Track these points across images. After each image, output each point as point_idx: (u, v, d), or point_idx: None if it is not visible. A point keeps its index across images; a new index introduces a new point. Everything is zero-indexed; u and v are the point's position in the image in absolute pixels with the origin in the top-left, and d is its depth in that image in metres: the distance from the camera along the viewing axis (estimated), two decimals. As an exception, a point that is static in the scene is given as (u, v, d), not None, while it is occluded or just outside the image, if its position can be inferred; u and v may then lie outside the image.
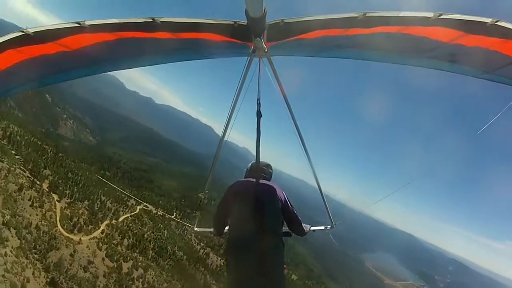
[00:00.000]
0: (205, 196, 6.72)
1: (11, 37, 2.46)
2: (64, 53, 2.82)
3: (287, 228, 4.50)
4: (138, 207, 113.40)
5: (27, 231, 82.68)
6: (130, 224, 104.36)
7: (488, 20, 2.31)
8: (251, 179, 4.32)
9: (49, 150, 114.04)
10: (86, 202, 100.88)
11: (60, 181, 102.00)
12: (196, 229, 6.89)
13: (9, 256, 73.48)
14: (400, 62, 3.60)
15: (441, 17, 2.36)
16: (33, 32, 2.46)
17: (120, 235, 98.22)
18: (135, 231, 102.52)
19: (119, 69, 3.96)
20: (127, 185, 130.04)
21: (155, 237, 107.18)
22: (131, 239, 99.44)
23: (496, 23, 2.30)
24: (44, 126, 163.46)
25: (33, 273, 75.12)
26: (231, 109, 4.29)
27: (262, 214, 3.78)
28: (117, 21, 2.59)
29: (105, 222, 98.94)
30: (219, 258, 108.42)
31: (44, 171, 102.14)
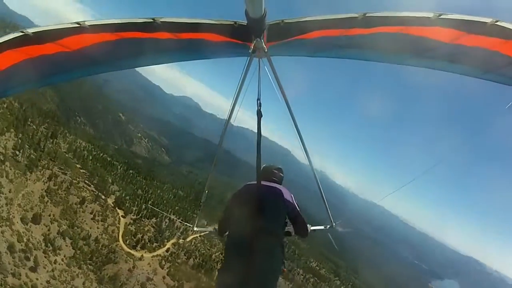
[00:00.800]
0: (205, 197, 6.73)
1: (11, 37, 2.46)
2: (64, 53, 2.82)
3: (290, 228, 4.50)
4: (210, 228, 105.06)
5: (84, 242, 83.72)
6: (199, 244, 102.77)
7: (488, 20, 2.31)
8: (255, 182, 4.33)
9: (119, 167, 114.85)
10: (153, 220, 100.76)
11: (127, 198, 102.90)
12: (195, 228, 6.89)
13: (59, 264, 74.98)
14: (400, 63, 3.59)
15: (441, 17, 2.36)
16: (32, 33, 2.46)
17: (186, 255, 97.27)
18: (202, 252, 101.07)
19: (119, 70, 3.95)
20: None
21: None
22: (197, 259, 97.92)
23: (496, 23, 2.30)
24: (116, 143, 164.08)
25: (84, 283, 76.53)
26: (231, 109, 4.30)
27: (261, 215, 3.78)
28: (117, 22, 2.59)
29: (172, 241, 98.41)
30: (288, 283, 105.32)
31: (111, 186, 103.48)
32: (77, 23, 2.51)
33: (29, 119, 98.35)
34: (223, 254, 4.09)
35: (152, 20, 2.55)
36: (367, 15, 2.45)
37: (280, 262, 3.93)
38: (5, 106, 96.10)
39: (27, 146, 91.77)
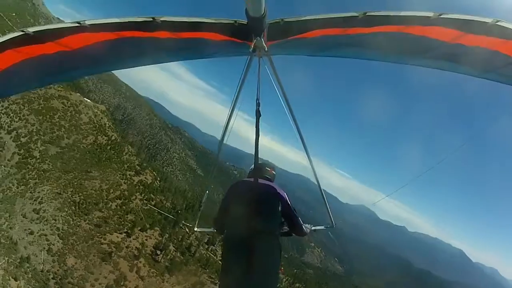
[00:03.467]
0: (205, 197, 6.76)
1: (11, 37, 2.46)
2: (64, 52, 2.81)
3: (287, 228, 4.51)
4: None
5: None
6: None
7: (488, 20, 2.31)
8: (250, 179, 4.35)
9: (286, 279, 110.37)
10: None
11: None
12: (196, 229, 6.91)
13: None
14: (400, 62, 3.60)
15: (442, 16, 2.36)
16: (33, 32, 2.46)
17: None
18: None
19: (119, 69, 3.97)
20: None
21: None
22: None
23: (497, 23, 2.30)
24: (289, 251, 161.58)
25: None
26: (231, 109, 4.31)
27: (257, 214, 3.77)
28: (117, 21, 2.59)
29: None
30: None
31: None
32: (77, 22, 2.51)
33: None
34: (222, 256, 4.06)
35: (152, 19, 2.55)
36: (367, 14, 2.45)
37: (279, 262, 3.93)
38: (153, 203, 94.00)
39: (172, 248, 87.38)
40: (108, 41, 2.84)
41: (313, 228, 5.31)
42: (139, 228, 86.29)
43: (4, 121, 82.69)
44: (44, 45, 2.64)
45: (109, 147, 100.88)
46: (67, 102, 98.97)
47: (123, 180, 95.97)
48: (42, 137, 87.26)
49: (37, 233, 69.62)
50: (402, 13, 2.43)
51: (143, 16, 2.58)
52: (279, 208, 4.09)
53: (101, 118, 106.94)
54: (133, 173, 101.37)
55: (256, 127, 4.89)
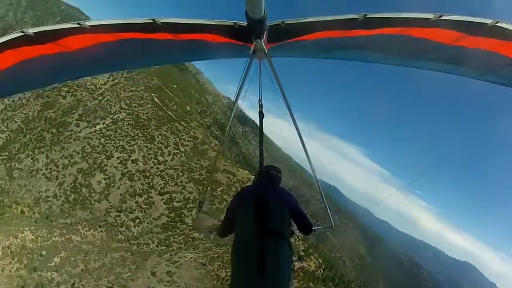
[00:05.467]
0: (204, 197, 6.77)
1: (11, 37, 2.46)
2: (64, 53, 2.82)
3: (294, 228, 4.48)
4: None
5: None
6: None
7: (488, 21, 2.31)
8: (257, 182, 4.40)
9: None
10: None
11: None
12: (197, 230, 6.90)
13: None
14: (401, 64, 3.61)
15: (442, 18, 2.36)
16: (33, 33, 2.46)
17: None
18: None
19: (119, 70, 3.98)
20: None
21: None
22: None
23: (497, 24, 2.30)
24: None
25: None
26: (233, 108, 4.33)
27: (267, 217, 3.77)
28: (118, 22, 2.61)
29: None
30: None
31: None
32: (78, 23, 2.52)
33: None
34: (233, 261, 3.94)
35: (152, 21, 2.56)
36: (367, 16, 2.45)
37: (291, 264, 3.89)
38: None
39: None
40: (108, 43, 2.85)
41: (313, 228, 5.32)
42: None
43: (157, 183, 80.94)
44: (44, 45, 2.64)
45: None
46: (233, 178, 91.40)
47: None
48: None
49: (162, 295, 67.85)
50: (403, 15, 2.44)
51: (143, 17, 2.59)
52: (288, 211, 4.06)
53: None
54: (295, 258, 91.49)
55: (259, 128, 4.91)
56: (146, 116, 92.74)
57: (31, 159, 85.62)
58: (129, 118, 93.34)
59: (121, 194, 75.65)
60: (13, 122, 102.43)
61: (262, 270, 3.42)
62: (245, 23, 2.57)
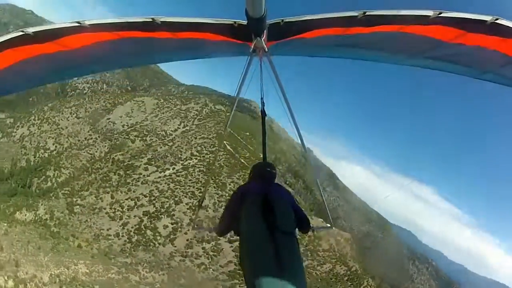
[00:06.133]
0: (204, 198, 6.80)
1: (10, 37, 2.47)
2: (63, 52, 2.83)
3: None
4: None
5: None
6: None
7: (487, 18, 2.30)
8: (258, 180, 4.38)
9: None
10: None
11: None
12: (195, 230, 6.92)
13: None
14: (400, 63, 3.63)
15: (441, 15, 2.35)
16: (32, 32, 2.47)
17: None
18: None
19: (119, 68, 4.00)
20: None
21: None
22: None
23: (496, 21, 2.29)
24: None
25: None
26: (233, 108, 4.35)
27: (277, 217, 3.74)
28: (117, 21, 2.61)
29: None
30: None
31: None
32: (77, 22, 2.51)
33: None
34: (245, 263, 3.79)
35: (151, 20, 2.56)
36: (367, 13, 2.45)
37: (301, 255, 3.86)
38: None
39: None
40: (108, 41, 2.86)
41: (313, 226, 5.34)
42: None
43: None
44: (43, 45, 2.66)
45: (346, 278, 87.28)
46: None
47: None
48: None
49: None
50: (402, 12, 2.43)
51: (143, 16, 2.59)
52: (291, 207, 4.08)
53: (344, 246, 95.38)
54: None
55: (262, 126, 4.91)
56: (218, 164, 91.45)
57: (95, 197, 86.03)
58: (200, 164, 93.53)
59: (187, 240, 74.81)
60: (77, 160, 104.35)
61: (281, 269, 3.37)
62: (245, 22, 2.58)
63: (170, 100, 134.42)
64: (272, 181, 4.51)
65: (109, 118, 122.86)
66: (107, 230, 77.31)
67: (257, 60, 3.59)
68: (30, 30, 2.47)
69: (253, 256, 3.64)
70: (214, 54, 3.87)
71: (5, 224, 66.24)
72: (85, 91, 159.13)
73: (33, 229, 69.48)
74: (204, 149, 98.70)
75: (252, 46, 2.94)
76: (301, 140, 4.64)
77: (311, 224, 4.93)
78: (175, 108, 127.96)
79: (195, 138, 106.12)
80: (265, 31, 2.74)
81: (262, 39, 2.80)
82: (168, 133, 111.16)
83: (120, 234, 76.50)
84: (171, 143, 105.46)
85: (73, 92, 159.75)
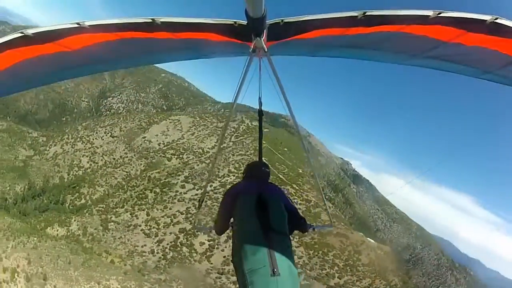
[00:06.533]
0: (203, 198, 6.81)
1: (10, 38, 2.48)
2: (63, 53, 2.85)
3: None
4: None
5: None
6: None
7: (487, 17, 2.28)
8: (252, 180, 4.42)
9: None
10: None
11: None
12: (196, 229, 6.92)
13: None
14: (400, 62, 3.63)
15: (441, 15, 2.34)
16: (32, 33, 2.49)
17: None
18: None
19: (119, 68, 4.09)
20: None
21: None
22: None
23: (496, 21, 2.26)
24: None
25: None
26: (232, 108, 4.42)
27: (268, 214, 3.78)
28: (117, 21, 2.62)
29: None
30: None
31: None
32: (77, 23, 2.53)
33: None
34: (238, 262, 3.76)
35: (151, 20, 2.57)
36: (367, 13, 2.45)
37: (293, 255, 3.86)
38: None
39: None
40: (107, 42, 2.88)
41: (313, 225, 5.26)
42: None
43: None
44: (43, 45, 2.67)
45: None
46: (346, 241, 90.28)
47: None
48: (308, 271, 79.27)
49: None
50: (402, 12, 2.42)
51: (142, 17, 2.60)
52: (284, 207, 4.08)
53: (384, 260, 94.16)
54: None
55: (259, 126, 4.92)
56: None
57: (130, 214, 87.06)
58: (238, 181, 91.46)
59: (224, 257, 74.12)
60: (112, 178, 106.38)
61: (274, 268, 3.41)
62: (244, 22, 2.58)
63: (206, 118, 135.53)
64: (267, 180, 4.54)
65: (144, 137, 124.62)
66: (142, 246, 77.33)
67: (257, 61, 3.62)
68: (30, 31, 2.48)
69: (246, 255, 3.64)
70: (214, 54, 3.91)
71: (35, 239, 66.36)
72: (120, 111, 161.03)
73: (64, 244, 69.59)
74: (242, 165, 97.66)
75: (252, 46, 2.93)
76: (302, 140, 4.62)
77: (311, 224, 4.94)
78: (211, 126, 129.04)
79: (233, 155, 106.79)
80: (265, 31, 2.74)
81: (262, 39, 2.79)
82: (205, 151, 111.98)
83: (155, 251, 76.35)
84: (208, 160, 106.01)
85: (107, 111, 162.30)
